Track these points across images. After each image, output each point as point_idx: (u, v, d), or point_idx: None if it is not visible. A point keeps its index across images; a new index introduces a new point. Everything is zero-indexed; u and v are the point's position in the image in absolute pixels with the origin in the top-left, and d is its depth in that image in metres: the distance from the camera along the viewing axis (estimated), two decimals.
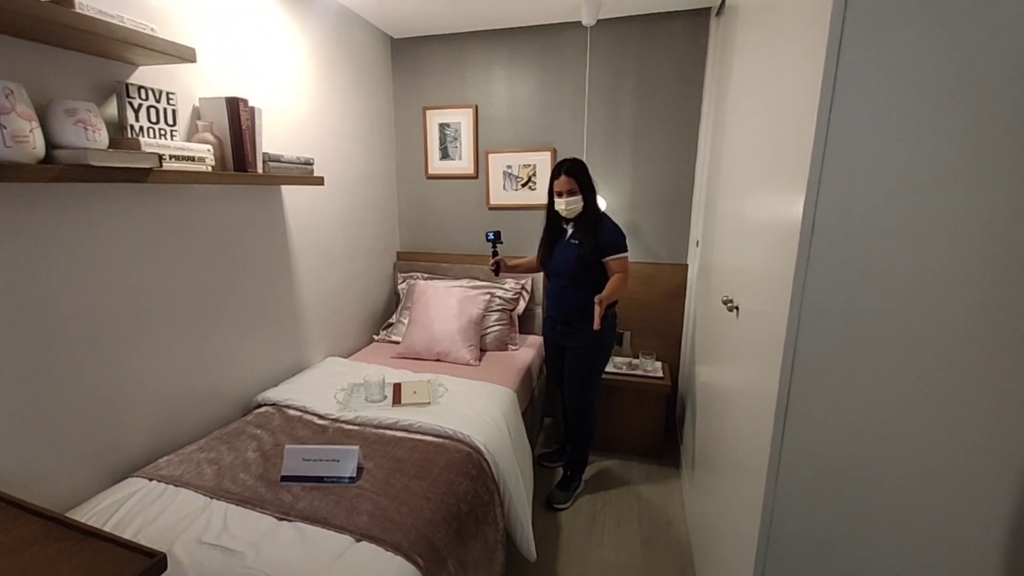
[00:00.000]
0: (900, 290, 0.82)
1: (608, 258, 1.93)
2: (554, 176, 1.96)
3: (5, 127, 1.00)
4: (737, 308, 1.31)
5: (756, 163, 1.23)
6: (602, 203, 2.43)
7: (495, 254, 2.16)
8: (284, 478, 1.35)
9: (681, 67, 2.36)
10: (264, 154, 1.69)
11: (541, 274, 2.70)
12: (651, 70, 2.40)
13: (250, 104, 1.60)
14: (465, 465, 1.49)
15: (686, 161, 2.45)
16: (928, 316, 0.81)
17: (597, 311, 1.77)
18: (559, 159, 2.61)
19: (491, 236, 2.16)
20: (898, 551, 0.90)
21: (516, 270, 2.25)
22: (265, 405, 1.81)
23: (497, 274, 2.18)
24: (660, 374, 2.44)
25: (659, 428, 2.44)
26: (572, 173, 1.92)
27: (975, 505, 0.83)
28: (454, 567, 1.22)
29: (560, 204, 1.95)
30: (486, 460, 1.56)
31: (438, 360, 2.31)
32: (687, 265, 2.53)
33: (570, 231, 2.01)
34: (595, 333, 2.00)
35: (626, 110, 2.47)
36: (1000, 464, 0.81)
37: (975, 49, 0.73)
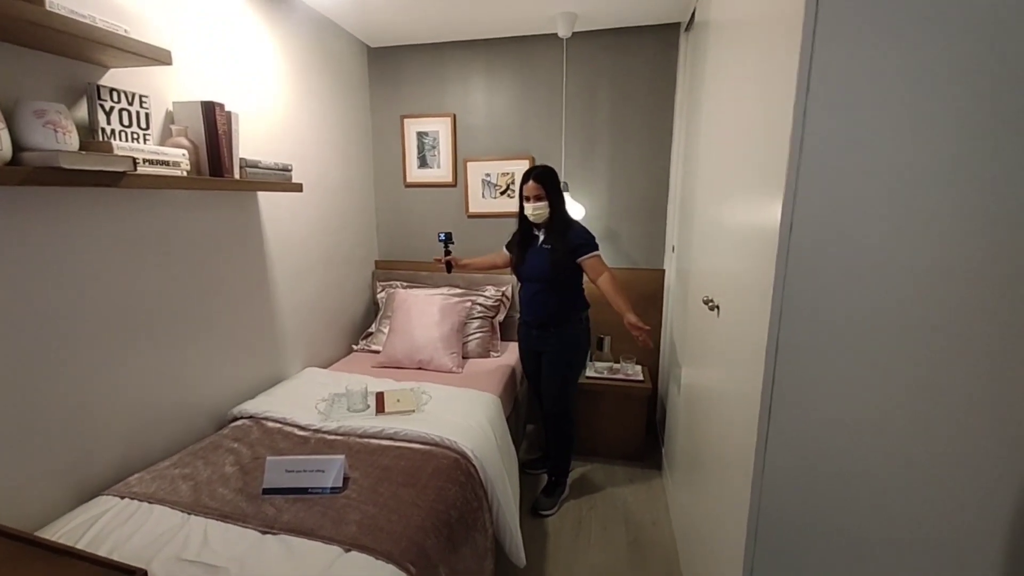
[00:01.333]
0: (880, 287, 0.86)
1: (582, 258, 1.97)
2: (523, 182, 2.01)
3: None
4: (718, 307, 1.35)
5: (733, 168, 1.28)
6: (580, 210, 2.48)
7: (447, 253, 2.22)
8: (266, 491, 1.31)
9: (653, 79, 2.45)
10: (241, 159, 1.66)
11: (515, 279, 2.73)
12: (625, 81, 2.48)
13: (227, 108, 1.57)
14: (453, 471, 1.47)
15: (660, 168, 2.52)
16: (908, 312, 0.85)
17: (645, 337, 1.86)
18: None
19: (443, 236, 2.25)
20: (885, 541, 0.93)
21: (467, 268, 2.33)
22: (242, 418, 1.74)
23: (448, 271, 2.26)
24: (640, 377, 2.48)
25: (641, 431, 2.48)
26: (540, 179, 1.96)
27: (959, 495, 0.88)
28: (446, 575, 1.20)
29: (528, 209, 2.00)
30: (474, 466, 1.55)
31: (420, 368, 2.29)
32: (664, 270, 2.59)
33: (542, 237, 2.05)
34: (570, 336, 2.08)
35: (602, 120, 2.54)
36: (982, 456, 0.85)
37: (942, 52, 0.78)
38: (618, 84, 2.49)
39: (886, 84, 0.81)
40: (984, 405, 0.84)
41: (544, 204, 1.96)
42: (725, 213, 1.35)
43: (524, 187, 1.99)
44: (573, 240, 1.98)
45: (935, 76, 0.79)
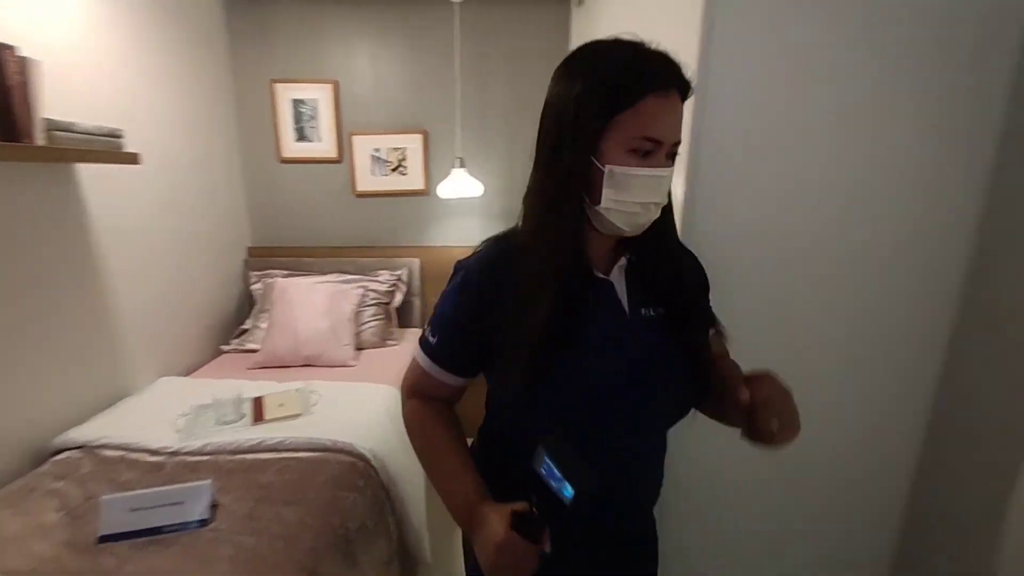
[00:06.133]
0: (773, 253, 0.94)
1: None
2: (640, 93, 0.60)
3: None
4: None
5: None
6: (479, 188, 2.37)
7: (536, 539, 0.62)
8: (103, 538, 1.04)
9: (547, 54, 2.39)
10: (46, 120, 1.29)
11: (418, 262, 2.51)
12: (519, 55, 2.40)
13: (21, 53, 1.19)
14: (349, 476, 1.32)
15: None
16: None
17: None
18: (430, 142, 2.49)
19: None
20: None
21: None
22: (67, 449, 1.39)
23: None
24: None
25: None
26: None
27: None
28: None
29: (651, 182, 0.63)
30: (373, 467, 1.40)
31: (308, 365, 2.05)
32: None
33: (622, 282, 0.73)
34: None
35: (497, 94, 2.44)
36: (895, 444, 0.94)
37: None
38: (513, 57, 2.40)
39: (789, 55, 0.86)
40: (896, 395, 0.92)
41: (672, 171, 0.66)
42: None
43: (644, 101, 0.60)
44: (697, 278, 0.79)
45: (837, 30, 0.86)
